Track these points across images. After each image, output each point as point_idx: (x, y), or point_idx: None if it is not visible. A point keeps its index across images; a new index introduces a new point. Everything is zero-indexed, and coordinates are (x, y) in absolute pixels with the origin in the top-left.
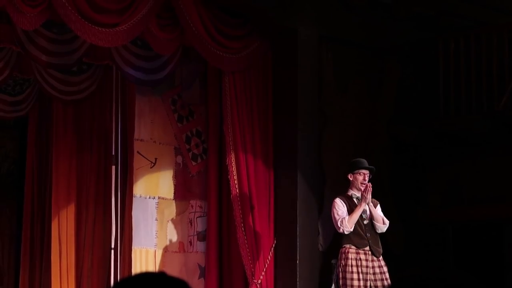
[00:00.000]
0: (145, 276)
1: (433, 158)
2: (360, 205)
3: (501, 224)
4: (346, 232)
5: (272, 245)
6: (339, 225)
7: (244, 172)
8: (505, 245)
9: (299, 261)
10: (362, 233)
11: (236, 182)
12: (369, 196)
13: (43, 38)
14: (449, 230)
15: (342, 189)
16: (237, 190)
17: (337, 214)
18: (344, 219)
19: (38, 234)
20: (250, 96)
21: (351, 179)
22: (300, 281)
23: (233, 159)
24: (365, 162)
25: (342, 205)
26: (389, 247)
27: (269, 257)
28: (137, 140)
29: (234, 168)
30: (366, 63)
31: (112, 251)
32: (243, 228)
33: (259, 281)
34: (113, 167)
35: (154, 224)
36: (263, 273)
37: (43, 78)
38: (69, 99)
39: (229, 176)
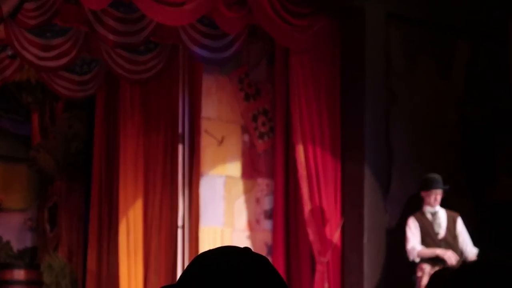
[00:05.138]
0: (231, 249)
1: (503, 137)
2: (435, 251)
3: None
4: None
5: (340, 224)
6: (409, 252)
7: (311, 151)
8: None
9: (366, 240)
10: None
11: (303, 160)
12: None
13: (111, 18)
14: None
15: (410, 169)
16: (304, 169)
17: (410, 240)
18: (414, 249)
19: (106, 213)
20: (318, 75)
21: (423, 196)
22: (367, 260)
23: (300, 138)
24: (438, 180)
25: (414, 227)
26: None
27: (336, 236)
28: (204, 118)
29: (301, 147)
30: (434, 42)
31: (180, 230)
32: (310, 207)
33: (326, 259)
34: (180, 146)
35: (222, 202)
36: (330, 252)
37: (110, 57)
38: (136, 78)
39: (296, 155)
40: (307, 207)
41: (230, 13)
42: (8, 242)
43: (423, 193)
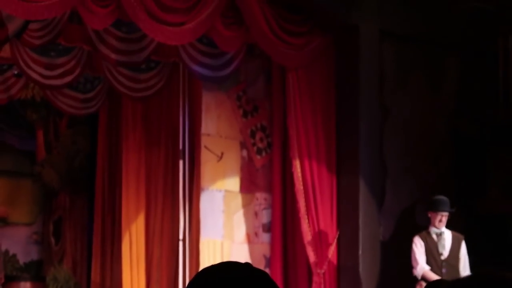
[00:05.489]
0: (232, 264)
1: (493, 150)
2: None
3: None
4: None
5: (335, 236)
6: (414, 270)
7: (307, 165)
8: None
9: (361, 251)
10: (437, 269)
11: (299, 175)
12: None
13: (113, 37)
14: (508, 222)
15: (403, 182)
16: (301, 183)
17: (418, 260)
18: (423, 269)
19: (109, 226)
20: (313, 91)
21: (430, 216)
22: (363, 271)
23: (296, 153)
24: (445, 203)
25: (420, 246)
26: None
27: (332, 248)
28: (204, 134)
29: (297, 162)
30: (426, 58)
31: (181, 242)
32: (307, 220)
33: (323, 271)
34: (181, 161)
35: (221, 216)
36: (326, 263)
37: (112, 75)
38: (137, 96)
39: (292, 170)
40: (304, 220)
41: (228, 32)
42: (14, 255)
43: (429, 214)
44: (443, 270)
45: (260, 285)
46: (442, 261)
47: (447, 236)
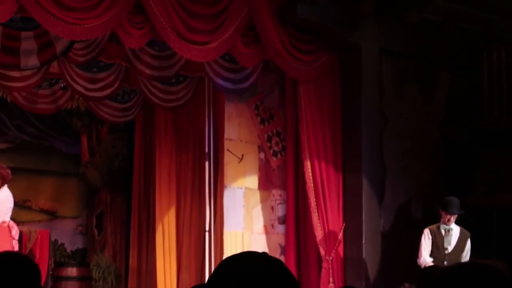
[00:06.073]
0: (250, 254)
1: (479, 153)
2: None
3: None
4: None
5: (342, 228)
6: (418, 260)
7: (317, 166)
8: None
9: (365, 241)
10: (440, 262)
11: (310, 174)
12: None
13: (147, 55)
14: (493, 216)
15: (400, 181)
16: (311, 181)
17: (422, 254)
18: (425, 262)
19: (145, 219)
20: (322, 101)
21: (441, 213)
22: (366, 257)
23: (307, 155)
24: (456, 204)
25: (428, 239)
26: None
27: (339, 238)
28: (227, 139)
29: (308, 163)
30: (420, 72)
31: (207, 233)
32: (316, 213)
33: (331, 258)
34: (206, 162)
35: (242, 210)
36: (334, 251)
37: (147, 88)
38: (168, 106)
39: (304, 169)
40: (314, 213)
41: (247, 50)
42: (62, 244)
43: (441, 211)
44: (445, 263)
45: (275, 272)
46: (446, 255)
47: (455, 232)
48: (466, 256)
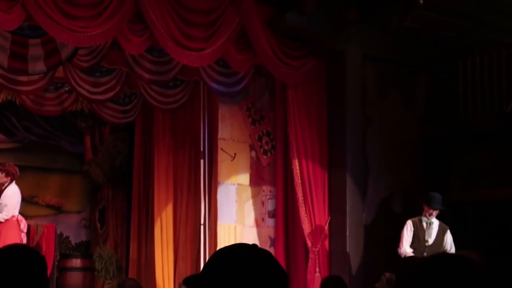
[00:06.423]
0: (241, 246)
1: (455, 151)
2: None
3: (510, 204)
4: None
5: (327, 221)
6: (399, 249)
7: (304, 164)
8: None
9: (349, 233)
10: (420, 253)
11: (298, 171)
12: None
13: (146, 60)
14: (468, 209)
15: (382, 177)
16: (299, 178)
17: (403, 245)
18: (405, 252)
19: (144, 214)
20: (309, 103)
21: (424, 207)
22: (350, 249)
23: (295, 153)
24: (439, 200)
25: (410, 230)
26: None
27: (324, 231)
28: (220, 139)
29: (296, 161)
30: (400, 76)
31: (202, 226)
32: (304, 208)
33: (317, 249)
34: (202, 160)
35: (234, 205)
36: (320, 243)
37: (146, 91)
38: (166, 108)
39: (292, 167)
40: (301, 208)
41: (239, 56)
42: (67, 237)
43: (424, 206)
44: (424, 254)
45: (264, 263)
46: (426, 247)
47: (435, 226)
48: (450, 249)
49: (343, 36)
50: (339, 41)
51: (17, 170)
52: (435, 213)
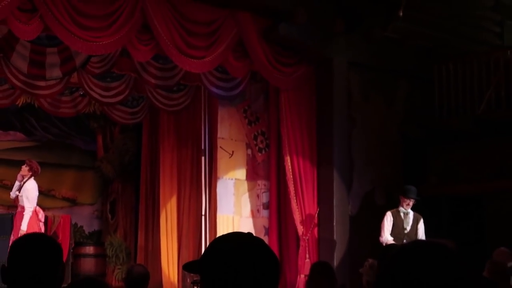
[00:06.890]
0: (237, 234)
1: (432, 148)
2: None
3: (481, 198)
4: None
5: (316, 212)
6: (381, 239)
7: (295, 161)
8: (485, 214)
9: (335, 223)
10: (399, 240)
11: (290, 167)
12: None
13: (152, 67)
14: (443, 202)
15: (365, 173)
16: (291, 173)
17: (384, 233)
18: (386, 240)
19: (151, 206)
20: (300, 106)
21: (401, 199)
22: (336, 237)
23: (287, 151)
24: (414, 192)
25: (390, 220)
26: None
27: (314, 221)
28: (219, 138)
29: (288, 158)
30: (382, 81)
31: (203, 217)
32: (295, 200)
33: (307, 237)
34: (203, 157)
35: (232, 197)
36: (310, 232)
37: (152, 95)
38: (171, 110)
39: (285, 163)
40: (293, 200)
41: (237, 63)
42: (81, 227)
43: (401, 197)
44: (404, 241)
45: (258, 249)
46: (405, 234)
47: (411, 215)
48: (422, 237)
49: (331, 45)
50: (327, 50)
51: (39, 169)
52: (411, 203)
